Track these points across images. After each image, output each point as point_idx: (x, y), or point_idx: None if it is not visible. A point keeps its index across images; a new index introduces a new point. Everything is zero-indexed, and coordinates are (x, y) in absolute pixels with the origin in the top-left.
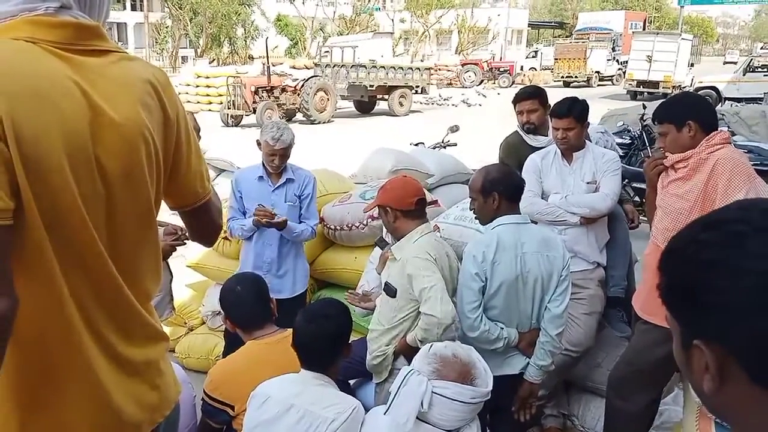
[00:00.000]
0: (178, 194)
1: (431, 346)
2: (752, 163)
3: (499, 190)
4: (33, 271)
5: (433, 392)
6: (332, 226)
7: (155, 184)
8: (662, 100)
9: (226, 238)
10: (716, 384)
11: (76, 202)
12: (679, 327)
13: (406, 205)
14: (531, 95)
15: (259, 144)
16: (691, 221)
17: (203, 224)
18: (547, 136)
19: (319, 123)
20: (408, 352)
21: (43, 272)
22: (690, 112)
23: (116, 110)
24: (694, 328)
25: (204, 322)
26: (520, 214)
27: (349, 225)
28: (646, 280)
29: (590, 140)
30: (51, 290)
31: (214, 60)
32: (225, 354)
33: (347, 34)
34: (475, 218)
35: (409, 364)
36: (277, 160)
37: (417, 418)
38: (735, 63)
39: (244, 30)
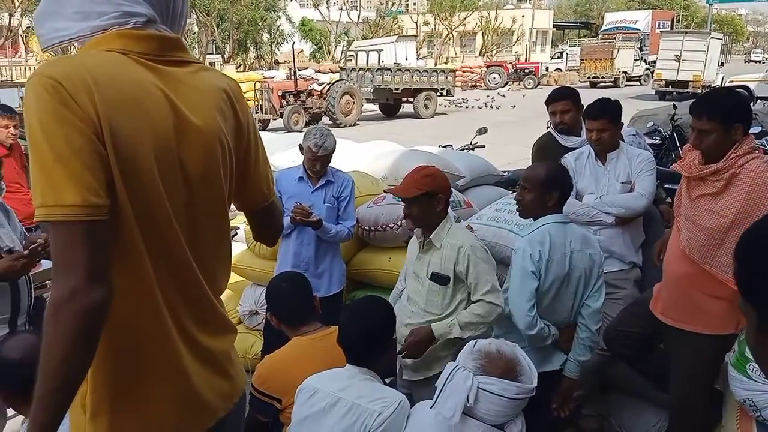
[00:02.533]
0: (248, 195)
1: (476, 343)
2: None
3: (560, 188)
4: (126, 262)
5: (479, 388)
6: (366, 227)
7: (229, 184)
8: (698, 96)
9: None
10: None
11: (163, 199)
12: (757, 314)
13: (450, 194)
14: (564, 96)
15: (301, 149)
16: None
17: (269, 224)
18: (580, 136)
19: (345, 126)
20: (424, 344)
21: (135, 264)
22: (740, 114)
23: (197, 116)
24: None
25: (241, 321)
26: (562, 213)
27: (384, 226)
28: (682, 290)
29: (623, 140)
30: (141, 281)
31: (240, 65)
32: (264, 352)
33: (371, 37)
34: (517, 210)
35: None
36: (318, 165)
37: (463, 412)
38: (759, 62)
39: (270, 35)
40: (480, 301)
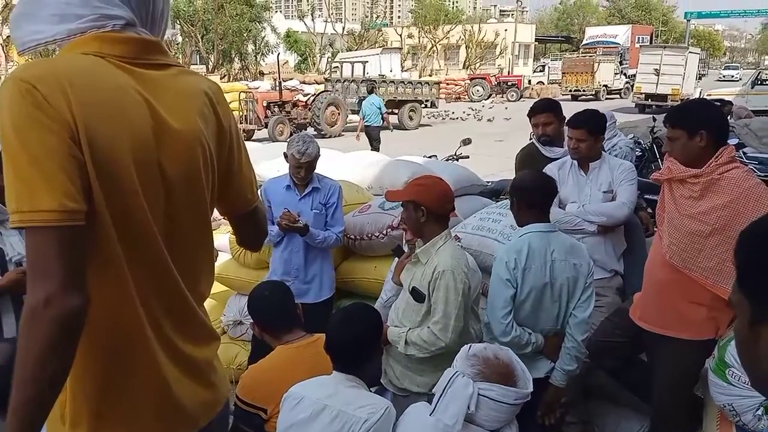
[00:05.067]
0: (231, 200)
1: (470, 347)
2: (762, 174)
3: (534, 197)
4: (103, 268)
5: (479, 394)
6: (352, 236)
7: (210, 189)
8: (676, 104)
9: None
10: None
11: (142, 204)
12: (750, 305)
13: (442, 210)
14: (546, 108)
15: (286, 156)
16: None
17: (252, 229)
18: (562, 147)
19: (330, 137)
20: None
21: (112, 270)
22: (704, 122)
23: (177, 119)
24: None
25: (225, 332)
26: (549, 222)
27: (369, 235)
28: (663, 296)
29: (605, 150)
30: (119, 287)
31: (225, 76)
32: (250, 362)
33: (356, 49)
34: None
35: None
36: (303, 172)
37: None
38: (732, 79)
39: (255, 46)
40: (429, 328)
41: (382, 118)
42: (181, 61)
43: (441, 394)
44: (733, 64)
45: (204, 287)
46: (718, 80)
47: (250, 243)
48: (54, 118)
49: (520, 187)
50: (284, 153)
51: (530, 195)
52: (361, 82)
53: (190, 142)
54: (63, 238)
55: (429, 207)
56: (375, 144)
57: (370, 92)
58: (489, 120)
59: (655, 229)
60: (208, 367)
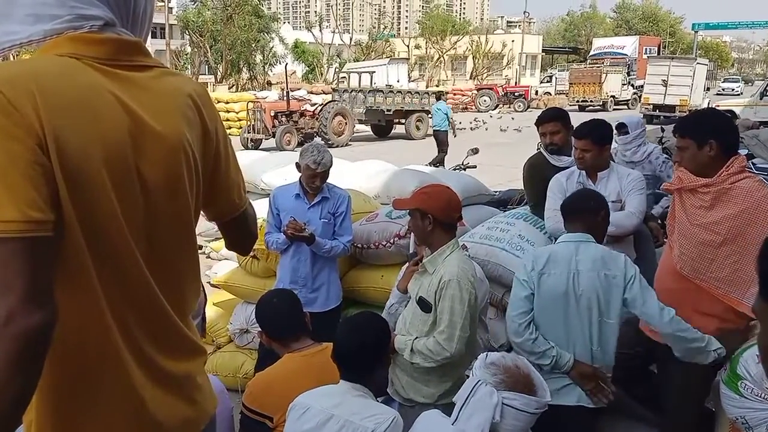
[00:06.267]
0: (217, 205)
1: (487, 356)
2: None
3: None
4: (72, 281)
5: (503, 403)
6: (359, 245)
7: (195, 195)
8: (686, 114)
9: (254, 257)
10: None
11: (116, 212)
12: None
13: (448, 218)
14: (554, 117)
15: (298, 167)
16: None
17: (241, 234)
18: (570, 156)
19: (337, 146)
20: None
21: (82, 283)
22: (713, 132)
23: (158, 122)
24: None
25: (231, 340)
26: (591, 237)
27: (376, 244)
28: (673, 307)
29: (614, 160)
30: (89, 301)
31: (233, 86)
32: (256, 371)
33: (363, 59)
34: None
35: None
36: (318, 181)
37: None
38: (732, 93)
39: (263, 56)
40: (434, 338)
41: (449, 124)
42: (189, 72)
43: (463, 404)
44: (733, 77)
45: (189, 297)
46: (718, 94)
47: (239, 248)
48: (19, 124)
49: (567, 199)
50: (296, 163)
51: (567, 206)
52: (368, 92)
53: (172, 145)
54: (26, 250)
55: (435, 215)
56: (442, 147)
57: (438, 99)
58: (503, 130)
59: (665, 239)
60: (189, 382)
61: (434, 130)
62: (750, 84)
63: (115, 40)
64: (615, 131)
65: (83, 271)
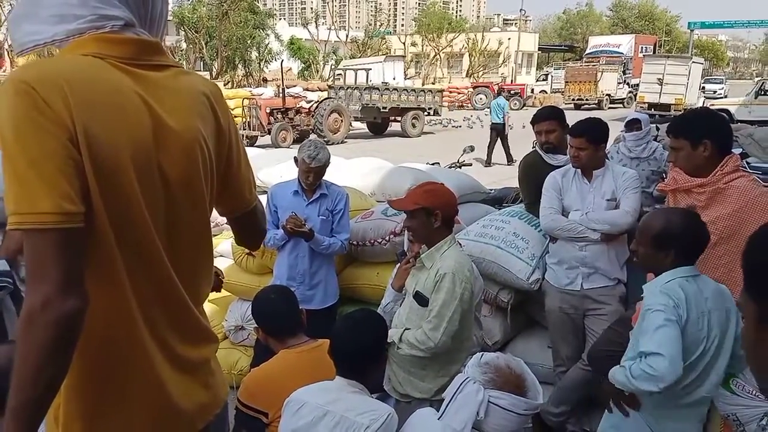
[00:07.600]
0: (229, 200)
1: (482, 355)
2: (767, 184)
3: (675, 246)
4: (101, 271)
5: (489, 401)
6: (354, 242)
7: (210, 190)
8: (679, 114)
9: (249, 254)
10: None
11: (141, 205)
12: (758, 306)
13: (452, 213)
14: (550, 116)
15: (296, 160)
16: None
17: (251, 229)
18: (565, 155)
19: (332, 144)
20: None
21: (110, 272)
22: (707, 131)
23: (175, 120)
24: None
25: (226, 337)
26: (693, 265)
27: (372, 241)
28: None
29: (610, 158)
30: (117, 289)
31: (228, 82)
32: (252, 367)
33: (359, 57)
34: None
35: None
36: (312, 177)
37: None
38: (714, 96)
39: (259, 53)
40: (422, 328)
41: (504, 118)
42: (185, 68)
43: (450, 399)
44: (716, 77)
45: (204, 287)
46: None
47: (249, 242)
48: (52, 120)
49: (649, 230)
50: (294, 157)
51: (662, 243)
52: (364, 90)
53: (189, 143)
54: (60, 241)
55: (443, 211)
56: (501, 136)
57: (498, 94)
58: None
59: None
60: (205, 368)
61: (492, 123)
62: (741, 77)
63: (137, 40)
64: (624, 128)
65: (111, 261)
